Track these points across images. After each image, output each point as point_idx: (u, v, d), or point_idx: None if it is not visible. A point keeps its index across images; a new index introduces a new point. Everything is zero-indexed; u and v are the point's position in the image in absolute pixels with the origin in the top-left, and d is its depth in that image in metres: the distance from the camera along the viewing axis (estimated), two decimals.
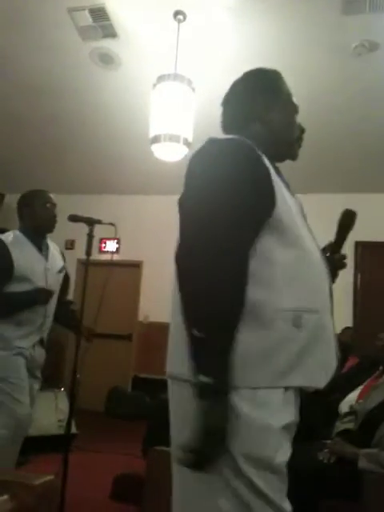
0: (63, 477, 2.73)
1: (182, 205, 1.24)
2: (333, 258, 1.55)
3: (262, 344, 1.19)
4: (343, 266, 1.58)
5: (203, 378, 1.07)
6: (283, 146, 1.48)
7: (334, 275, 1.51)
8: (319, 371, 1.28)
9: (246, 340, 1.18)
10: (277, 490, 1.19)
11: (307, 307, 1.26)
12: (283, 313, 1.22)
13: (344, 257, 1.58)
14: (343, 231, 1.55)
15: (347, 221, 1.54)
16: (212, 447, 1.08)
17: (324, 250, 1.53)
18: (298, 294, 1.26)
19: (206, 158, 1.26)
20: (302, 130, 1.51)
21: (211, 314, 1.10)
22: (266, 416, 1.18)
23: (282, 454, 1.21)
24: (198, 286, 1.12)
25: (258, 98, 1.46)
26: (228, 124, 1.49)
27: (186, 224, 1.20)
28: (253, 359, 1.19)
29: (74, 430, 4.30)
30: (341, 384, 3.46)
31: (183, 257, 1.17)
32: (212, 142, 1.28)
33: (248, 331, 1.18)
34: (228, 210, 1.14)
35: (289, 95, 1.50)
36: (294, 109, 1.50)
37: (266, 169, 1.26)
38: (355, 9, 4.05)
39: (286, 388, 1.22)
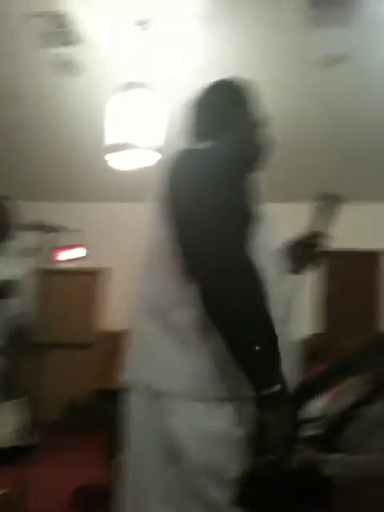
0: (22, 489, 2.66)
1: (186, 221, 1.21)
2: (312, 242, 1.56)
3: (222, 357, 1.18)
4: (323, 249, 1.58)
5: (269, 390, 1.09)
6: (252, 157, 1.48)
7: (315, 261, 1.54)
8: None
9: (214, 353, 1.18)
10: (223, 501, 1.18)
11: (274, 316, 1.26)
12: None
13: (325, 239, 1.58)
14: (326, 216, 1.53)
15: (333, 204, 1.52)
16: (285, 456, 1.13)
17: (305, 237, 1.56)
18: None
19: (199, 167, 1.25)
20: (273, 142, 1.52)
21: (261, 327, 1.12)
22: (225, 425, 1.19)
23: (236, 466, 1.20)
24: (239, 304, 1.12)
25: (232, 108, 1.46)
26: (197, 129, 1.48)
27: (203, 242, 1.16)
28: (218, 372, 1.19)
29: (33, 440, 4.19)
30: (310, 390, 3.49)
31: (211, 277, 1.14)
32: (192, 152, 1.29)
33: (212, 345, 1.18)
34: (237, 227, 1.17)
35: (260, 107, 1.51)
36: (264, 121, 1.51)
37: (247, 184, 1.27)
38: (320, 22, 4.15)
39: (243, 399, 1.21)
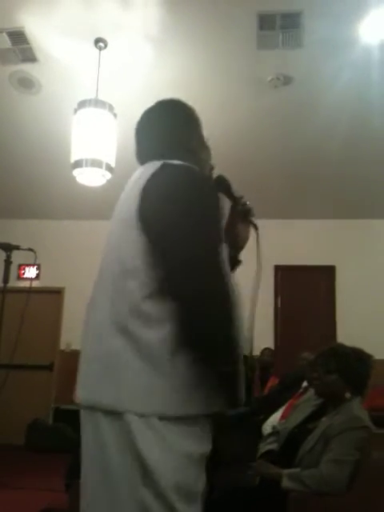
0: None
1: (170, 238, 1.22)
2: (245, 213, 1.56)
3: (191, 376, 1.20)
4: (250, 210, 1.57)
5: (239, 409, 1.13)
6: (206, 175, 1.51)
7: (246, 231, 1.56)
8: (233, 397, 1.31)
9: (183, 371, 1.20)
10: None
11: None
12: None
13: (245, 203, 1.56)
14: (229, 194, 1.55)
15: (224, 185, 1.54)
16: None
17: (234, 215, 1.54)
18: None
19: (177, 187, 1.27)
20: (211, 168, 1.55)
21: (233, 348, 1.17)
22: (192, 444, 1.20)
23: (201, 482, 1.23)
24: (216, 326, 1.16)
25: (184, 128, 1.48)
26: (148, 150, 1.47)
27: (185, 261, 1.19)
28: (192, 390, 1.20)
29: None
30: (263, 406, 3.53)
31: (197, 299, 1.17)
32: (177, 171, 1.31)
33: (184, 363, 1.20)
34: (217, 251, 1.22)
35: (201, 128, 1.53)
36: (208, 148, 1.54)
37: (218, 200, 1.33)
38: (269, 44, 4.27)
39: (205, 416, 1.24)
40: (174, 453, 1.17)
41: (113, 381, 1.21)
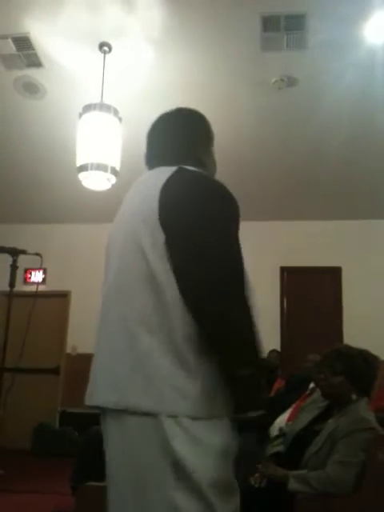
0: None
1: (188, 241, 1.23)
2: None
3: (218, 377, 1.22)
4: None
5: (255, 413, 1.17)
6: None
7: None
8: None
9: (210, 373, 1.21)
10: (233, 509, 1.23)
11: None
12: None
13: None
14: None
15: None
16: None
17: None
18: None
19: (199, 191, 1.29)
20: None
21: (256, 350, 1.19)
22: (224, 441, 1.22)
23: (233, 475, 1.26)
24: (239, 328, 1.18)
25: (200, 139, 1.50)
26: (161, 154, 1.47)
27: (209, 264, 1.19)
28: (218, 390, 1.22)
29: None
30: (270, 407, 3.52)
31: (213, 299, 1.18)
32: (197, 177, 1.33)
33: (209, 364, 1.21)
34: (239, 256, 1.25)
35: (213, 149, 1.56)
36: (215, 163, 1.56)
37: (238, 207, 1.36)
38: (273, 46, 4.28)
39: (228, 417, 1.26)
40: (209, 450, 1.18)
41: (143, 382, 1.20)
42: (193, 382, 1.19)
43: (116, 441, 1.25)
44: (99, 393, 1.28)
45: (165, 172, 1.33)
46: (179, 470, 1.15)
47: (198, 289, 1.19)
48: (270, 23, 4.10)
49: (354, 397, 2.28)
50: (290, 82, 4.61)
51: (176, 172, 1.31)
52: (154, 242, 1.25)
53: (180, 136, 1.48)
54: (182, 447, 1.16)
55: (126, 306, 1.28)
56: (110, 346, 1.28)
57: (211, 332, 1.19)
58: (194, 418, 1.18)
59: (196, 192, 1.27)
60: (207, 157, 1.50)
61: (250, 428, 2.81)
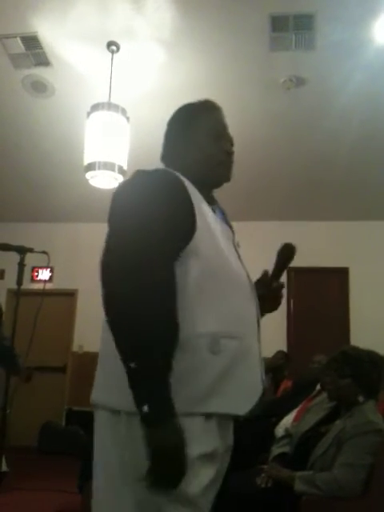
0: None
1: (108, 233, 1.25)
2: (269, 287, 1.54)
3: (177, 369, 1.14)
4: (279, 295, 1.56)
5: (145, 408, 1.06)
6: (212, 173, 1.48)
7: (274, 304, 1.54)
8: (240, 398, 1.26)
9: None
10: None
11: (227, 332, 1.25)
12: (198, 338, 1.21)
13: (282, 285, 1.57)
14: (282, 262, 1.56)
15: (288, 253, 1.55)
16: (172, 471, 1.07)
17: (261, 279, 1.54)
18: (218, 319, 1.25)
19: (129, 187, 1.30)
20: (231, 145, 1.52)
21: (146, 343, 1.08)
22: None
23: (197, 484, 1.17)
24: (128, 314, 1.10)
25: (184, 132, 1.49)
26: (165, 156, 1.52)
27: (111, 249, 1.20)
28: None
29: (4, 468, 4.09)
30: (276, 408, 3.51)
31: (109, 282, 1.16)
32: (137, 174, 1.32)
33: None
34: (149, 236, 1.16)
35: (214, 122, 1.51)
36: (218, 135, 1.50)
37: (187, 199, 1.27)
38: (282, 45, 4.26)
39: (208, 415, 1.20)
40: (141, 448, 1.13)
41: (103, 378, 1.25)
42: (118, 377, 1.15)
43: (95, 435, 1.28)
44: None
45: None
46: (137, 467, 1.13)
47: (102, 268, 1.20)
48: (278, 23, 4.08)
49: (361, 399, 2.27)
50: (299, 82, 4.59)
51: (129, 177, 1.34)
52: None
53: (167, 135, 1.53)
54: (134, 444, 1.14)
55: None
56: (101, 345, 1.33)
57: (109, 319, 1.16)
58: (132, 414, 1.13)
59: (124, 192, 1.30)
60: (196, 144, 1.47)
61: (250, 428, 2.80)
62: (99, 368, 1.30)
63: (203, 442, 1.20)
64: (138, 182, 1.29)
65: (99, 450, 1.26)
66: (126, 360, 1.09)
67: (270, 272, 1.56)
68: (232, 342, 1.25)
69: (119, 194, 1.30)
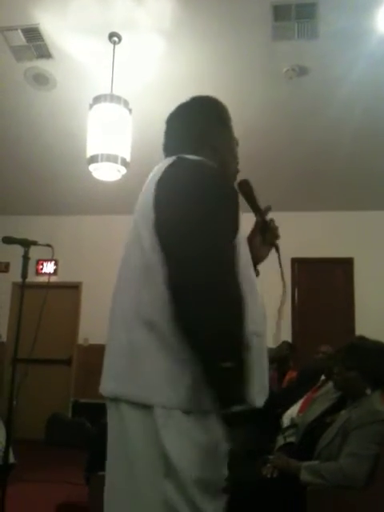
0: (1, 509, 2.61)
1: (171, 227, 1.21)
2: (265, 224, 1.55)
3: (196, 370, 1.18)
4: (274, 226, 1.56)
5: (237, 407, 1.10)
6: (232, 177, 1.50)
7: (273, 238, 1.55)
8: (258, 391, 1.29)
9: (193, 366, 1.19)
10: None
11: (256, 330, 1.28)
12: None
13: (272, 220, 1.57)
14: (249, 198, 1.53)
15: (246, 189, 1.51)
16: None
17: (255, 228, 1.56)
18: (251, 317, 1.25)
19: (189, 180, 1.26)
20: (236, 172, 1.54)
21: (236, 343, 1.13)
22: (214, 440, 1.19)
23: (223, 476, 1.22)
24: (216, 318, 1.12)
25: (213, 125, 1.47)
26: (175, 144, 1.48)
27: (184, 253, 1.16)
28: (197, 385, 1.18)
29: (11, 459, 4.12)
30: (282, 399, 3.52)
31: (189, 286, 1.14)
32: (191, 165, 1.29)
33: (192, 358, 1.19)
34: (221, 252, 1.17)
35: (232, 129, 1.53)
36: (236, 142, 1.53)
37: (236, 194, 1.30)
38: (284, 35, 4.23)
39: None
40: (196, 447, 1.17)
41: (138, 373, 1.22)
42: (182, 375, 1.19)
43: (113, 429, 1.27)
44: (103, 381, 1.32)
45: (165, 163, 1.33)
46: (166, 464, 1.16)
47: (176, 287, 1.17)
48: (280, 12, 4.05)
49: (368, 391, 2.27)
50: (302, 71, 4.56)
51: (172, 164, 1.30)
52: (149, 233, 1.26)
53: (190, 124, 1.48)
54: (170, 440, 1.16)
55: (124, 296, 1.31)
56: (113, 336, 1.31)
57: (184, 328, 1.16)
58: (185, 412, 1.17)
59: (187, 184, 1.25)
60: (220, 141, 1.47)
61: (253, 419, 2.80)
62: (124, 361, 1.26)
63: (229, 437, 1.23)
64: (199, 179, 1.26)
65: (121, 444, 1.24)
66: (215, 360, 1.11)
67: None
68: (259, 339, 1.30)
69: (177, 186, 1.25)
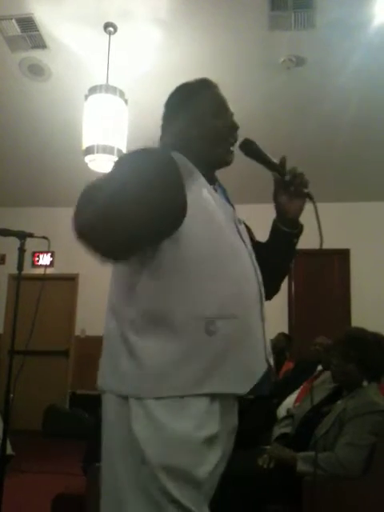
0: None
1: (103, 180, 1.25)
2: (285, 182, 1.51)
3: (174, 352, 1.19)
4: (297, 182, 1.54)
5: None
6: (213, 150, 1.45)
7: (299, 194, 1.54)
8: (239, 377, 1.26)
9: (160, 348, 1.19)
10: (194, 501, 1.18)
11: (223, 313, 1.24)
12: (194, 320, 1.21)
13: (293, 168, 1.53)
14: (261, 158, 1.50)
15: (251, 148, 1.48)
16: None
17: (276, 186, 1.55)
18: (214, 300, 1.24)
19: (125, 161, 1.26)
20: (235, 129, 1.49)
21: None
22: (188, 427, 1.18)
23: (205, 467, 1.20)
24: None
25: (184, 110, 1.46)
26: (165, 136, 1.49)
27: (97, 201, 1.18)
28: (168, 368, 1.19)
29: (9, 451, 4.13)
30: (278, 389, 3.53)
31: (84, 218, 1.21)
32: (137, 151, 1.24)
33: (160, 339, 1.20)
34: (138, 209, 1.11)
35: (214, 98, 1.48)
36: (219, 110, 1.47)
37: (177, 182, 1.17)
38: (281, 25, 4.20)
39: (212, 397, 1.21)
40: (166, 433, 1.16)
41: (112, 364, 1.26)
42: (137, 363, 1.20)
43: (103, 420, 1.29)
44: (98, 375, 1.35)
45: None
46: (140, 453, 1.16)
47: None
48: (277, 2, 4.02)
49: (365, 384, 2.28)
50: (299, 61, 4.54)
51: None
52: None
53: (167, 117, 1.50)
54: (139, 428, 1.16)
55: (109, 288, 1.36)
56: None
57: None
58: (157, 398, 1.17)
59: (124, 158, 1.28)
60: (194, 124, 1.43)
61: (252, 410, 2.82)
62: (104, 353, 1.31)
63: (209, 425, 1.21)
64: (137, 159, 1.22)
65: (105, 434, 1.27)
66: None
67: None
68: (229, 322, 1.25)
69: (119, 162, 1.27)
